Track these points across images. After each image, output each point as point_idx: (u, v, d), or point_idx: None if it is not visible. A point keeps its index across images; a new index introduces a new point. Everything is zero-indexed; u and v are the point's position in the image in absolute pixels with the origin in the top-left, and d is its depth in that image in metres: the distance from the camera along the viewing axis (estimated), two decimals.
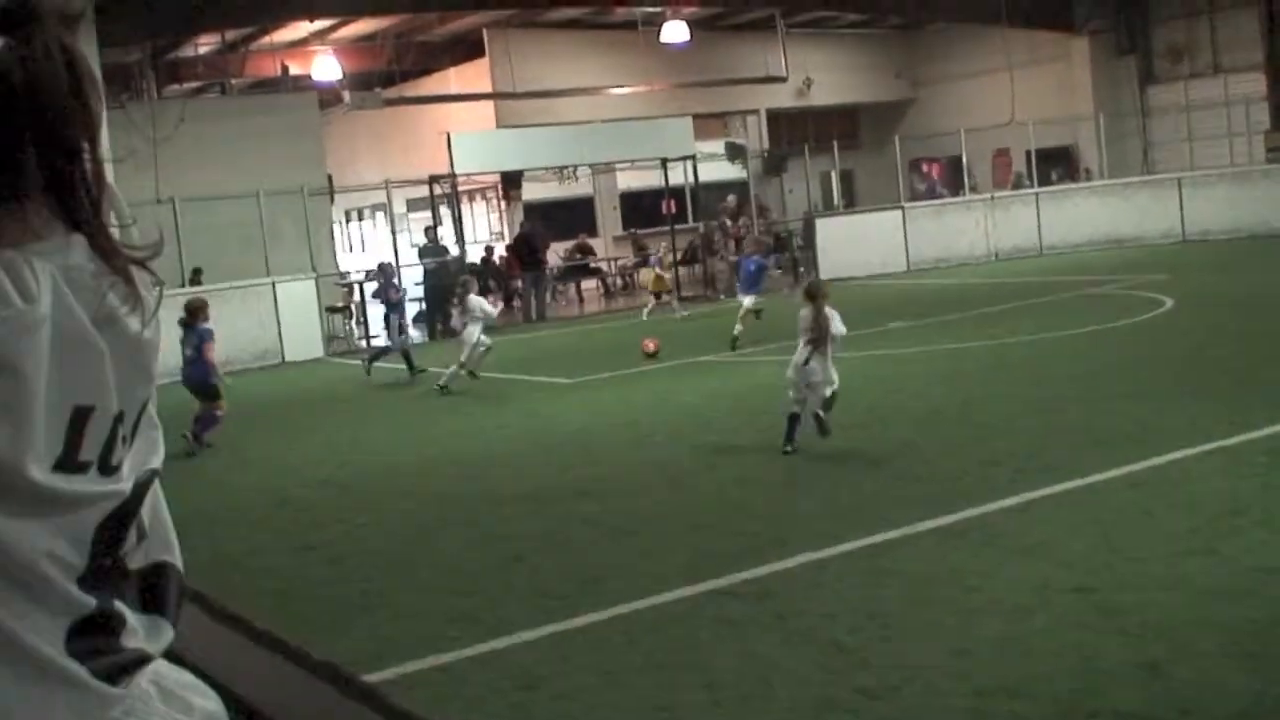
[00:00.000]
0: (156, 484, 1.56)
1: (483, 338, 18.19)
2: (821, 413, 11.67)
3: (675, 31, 33.64)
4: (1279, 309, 18.29)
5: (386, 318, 21.22)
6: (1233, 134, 35.06)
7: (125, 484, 1.45)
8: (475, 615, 7.87)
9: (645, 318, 25.05)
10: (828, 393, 11.74)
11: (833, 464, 11.24)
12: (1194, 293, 20.70)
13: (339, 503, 11.83)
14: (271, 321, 24.73)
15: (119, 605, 1.47)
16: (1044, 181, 34.58)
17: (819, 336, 11.60)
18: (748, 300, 20.26)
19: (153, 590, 1.55)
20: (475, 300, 18.58)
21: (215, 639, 2.10)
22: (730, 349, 19.29)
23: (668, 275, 26.98)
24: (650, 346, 19.32)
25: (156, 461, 1.54)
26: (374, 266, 23.58)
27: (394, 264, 23.67)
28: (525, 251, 29.91)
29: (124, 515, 1.46)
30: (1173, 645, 6.24)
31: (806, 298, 12.13)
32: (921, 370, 16.02)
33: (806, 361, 11.64)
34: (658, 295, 26.07)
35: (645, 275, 26.11)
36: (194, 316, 14.87)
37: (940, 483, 10.08)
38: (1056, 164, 36.54)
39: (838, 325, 11.80)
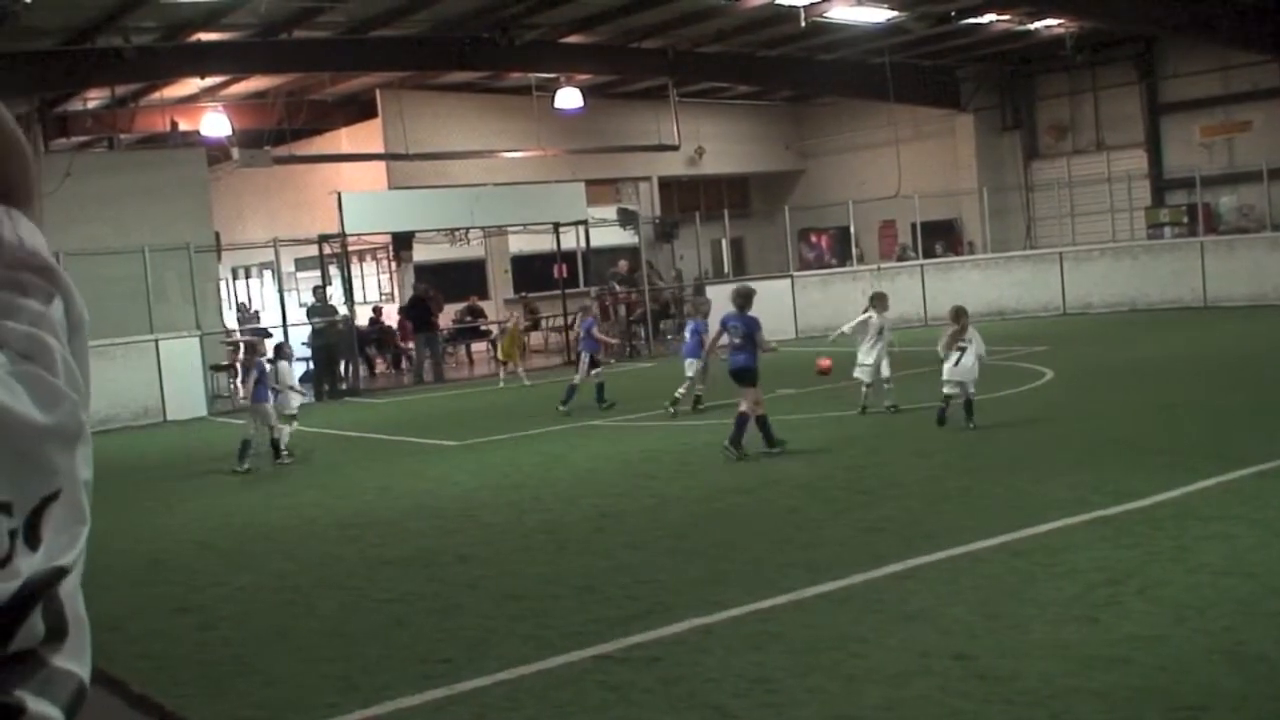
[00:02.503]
0: (78, 583, 1.44)
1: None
2: (969, 408, 15.45)
3: (569, 98, 33.85)
4: (1157, 381, 18.74)
5: (579, 356, 21.74)
6: (1114, 209, 35.97)
7: (7, 584, 1.35)
8: (354, 681, 7.73)
9: (501, 384, 25.60)
10: (973, 389, 15.52)
11: (720, 528, 11.24)
12: (1074, 364, 21.13)
13: (217, 565, 11.60)
14: (154, 379, 24.32)
15: (19, 694, 1.39)
16: (928, 254, 35.22)
17: (964, 346, 15.40)
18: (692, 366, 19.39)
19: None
20: None
21: (92, 702, 2.02)
22: (693, 409, 19.18)
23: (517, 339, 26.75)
24: (825, 364, 19.07)
25: (66, 559, 1.42)
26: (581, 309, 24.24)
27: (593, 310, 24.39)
28: (419, 313, 29.74)
29: (14, 612, 1.37)
30: (1051, 713, 6.30)
31: (953, 318, 15.91)
32: (808, 437, 16.13)
33: (956, 364, 15.48)
34: (505, 362, 25.99)
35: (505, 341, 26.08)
36: (739, 302, 15.72)
37: (826, 548, 10.14)
38: (941, 237, 37.19)
39: (980, 346, 15.63)
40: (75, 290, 1.46)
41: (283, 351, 19.11)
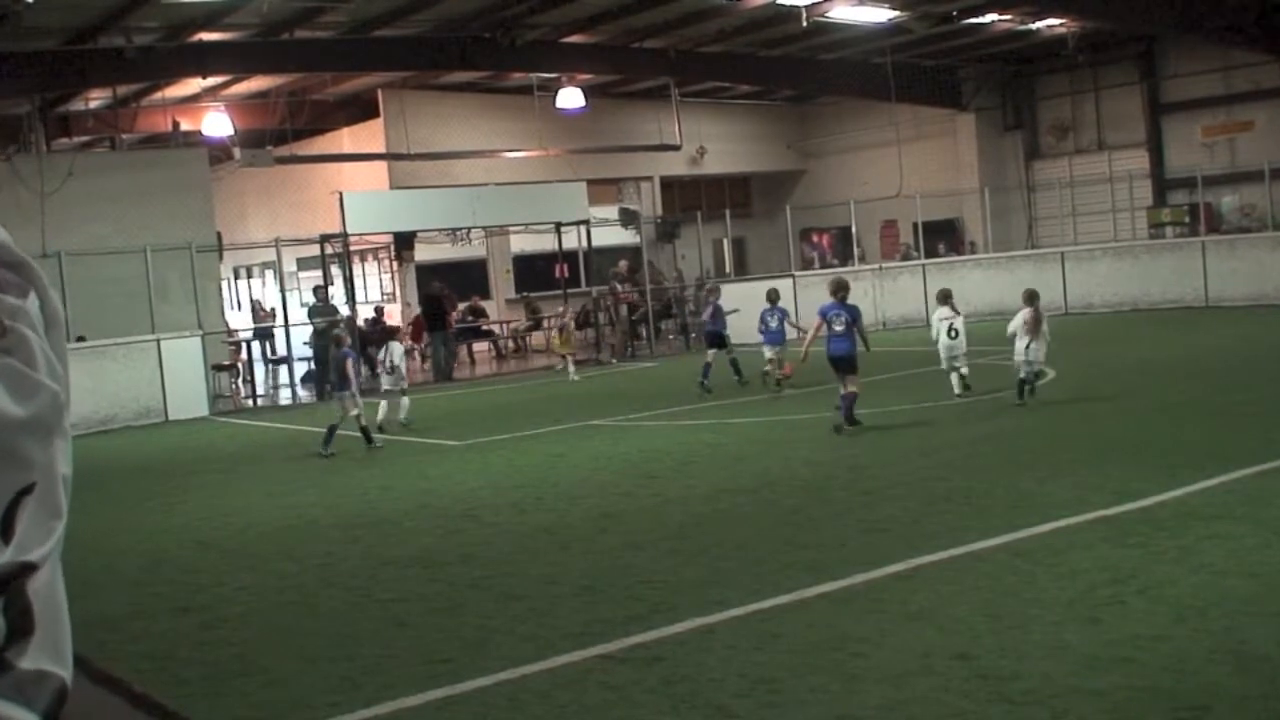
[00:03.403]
0: (55, 579, 1.43)
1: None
2: (1033, 384, 16.74)
3: (570, 98, 33.84)
4: (1158, 380, 18.73)
5: (720, 338, 22.87)
6: (1116, 209, 35.96)
7: None
8: (356, 680, 7.73)
9: (574, 378, 25.84)
10: (1039, 367, 16.76)
11: (722, 528, 11.24)
12: (1076, 364, 21.10)
13: (218, 564, 11.60)
14: (155, 379, 24.31)
15: None
16: (930, 253, 35.20)
17: (1035, 328, 16.38)
18: (769, 351, 21.28)
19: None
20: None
21: (93, 702, 2.02)
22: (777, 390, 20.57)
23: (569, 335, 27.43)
24: (787, 370, 20.19)
25: (36, 555, 1.40)
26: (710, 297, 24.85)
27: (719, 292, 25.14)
28: (434, 311, 29.75)
29: None
30: (1054, 712, 6.29)
31: (1026, 301, 16.87)
32: (811, 437, 16.14)
33: (1028, 346, 16.47)
34: (565, 355, 26.53)
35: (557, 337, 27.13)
36: (841, 293, 16.63)
37: (828, 549, 10.13)
38: (942, 236, 37.18)
39: (1046, 328, 16.69)
40: (49, 286, 1.45)
41: (394, 335, 21.31)
